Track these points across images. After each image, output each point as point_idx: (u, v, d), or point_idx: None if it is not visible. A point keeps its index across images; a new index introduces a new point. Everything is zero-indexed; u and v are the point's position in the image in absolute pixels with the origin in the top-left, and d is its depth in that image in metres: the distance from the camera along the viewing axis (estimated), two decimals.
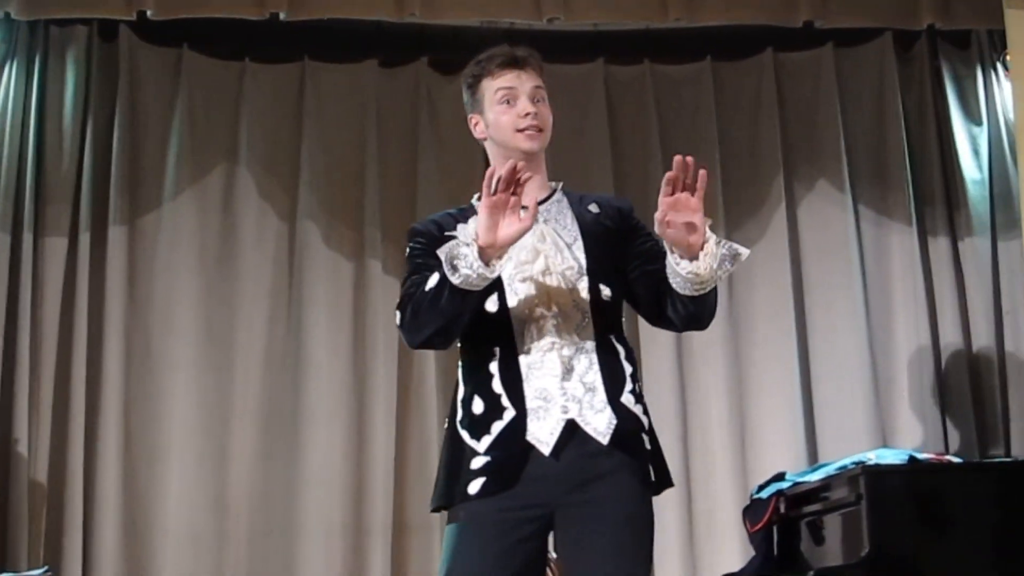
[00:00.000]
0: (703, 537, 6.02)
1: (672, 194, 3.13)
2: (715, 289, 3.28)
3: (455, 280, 3.08)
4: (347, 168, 6.22)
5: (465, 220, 3.36)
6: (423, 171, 6.19)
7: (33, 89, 5.97)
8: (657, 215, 3.13)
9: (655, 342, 6.02)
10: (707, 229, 3.17)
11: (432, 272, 3.17)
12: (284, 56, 6.29)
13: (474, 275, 3.07)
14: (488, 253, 3.07)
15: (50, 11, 5.83)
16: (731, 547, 5.89)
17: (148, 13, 5.64)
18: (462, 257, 3.07)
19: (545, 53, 3.49)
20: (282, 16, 5.69)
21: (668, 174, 3.13)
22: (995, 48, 6.33)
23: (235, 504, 5.88)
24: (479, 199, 3.23)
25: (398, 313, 3.25)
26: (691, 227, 3.14)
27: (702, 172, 3.13)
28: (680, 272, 3.18)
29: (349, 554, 5.86)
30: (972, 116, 6.38)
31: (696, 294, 3.23)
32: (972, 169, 6.32)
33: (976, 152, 6.35)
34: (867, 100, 6.45)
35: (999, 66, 6.32)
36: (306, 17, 5.81)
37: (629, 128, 6.40)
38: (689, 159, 3.13)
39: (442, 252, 3.11)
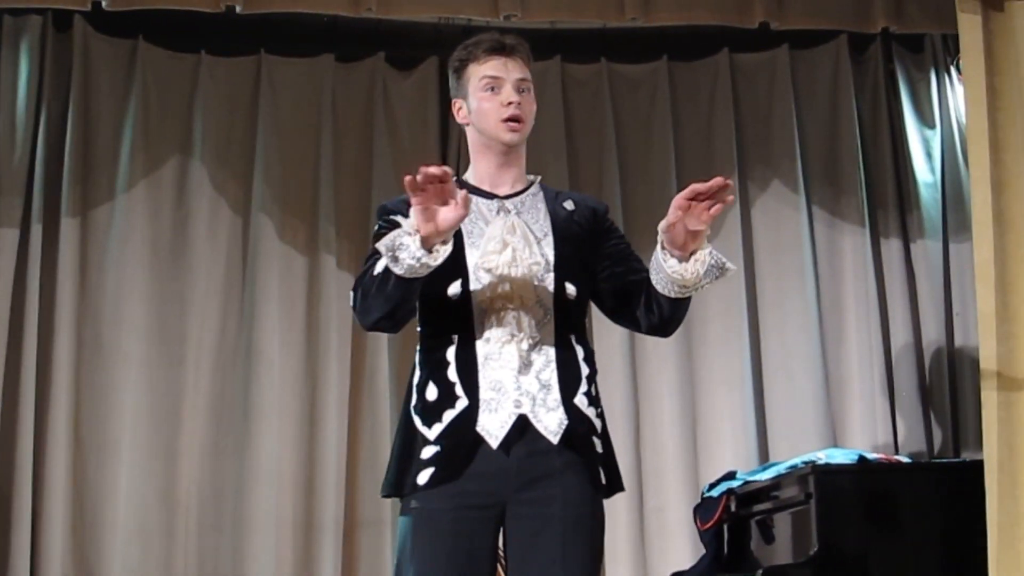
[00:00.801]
0: (654, 535, 6.03)
1: (690, 202, 3.14)
2: (689, 300, 3.31)
3: (398, 271, 3.06)
4: (302, 162, 6.20)
5: None
6: (378, 166, 6.18)
7: None
8: (670, 218, 3.14)
9: (607, 340, 6.02)
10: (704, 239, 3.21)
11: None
12: (240, 49, 6.26)
13: (417, 264, 3.05)
14: (429, 241, 3.06)
15: (3, 1, 5.78)
16: (681, 545, 5.92)
17: (103, 4, 5.59)
18: (404, 248, 3.05)
19: None
20: (238, 9, 5.65)
21: (699, 186, 3.14)
22: (948, 52, 6.38)
23: (185, 499, 5.85)
24: (456, 181, 3.24)
25: (351, 294, 3.24)
26: (695, 235, 3.17)
27: (731, 197, 3.19)
28: (667, 270, 3.20)
29: (300, 549, 5.84)
30: (925, 119, 6.43)
31: (674, 296, 3.25)
32: (925, 172, 6.37)
33: (929, 155, 6.39)
34: (821, 102, 6.48)
35: (952, 70, 6.37)
36: (262, 10, 5.78)
37: (585, 126, 6.41)
38: (729, 183, 3.16)
39: (383, 244, 3.08)
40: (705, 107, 6.48)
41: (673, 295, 3.26)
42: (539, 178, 3.50)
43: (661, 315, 3.33)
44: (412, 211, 3.07)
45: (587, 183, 6.17)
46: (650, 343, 6.17)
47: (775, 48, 6.48)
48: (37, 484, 5.69)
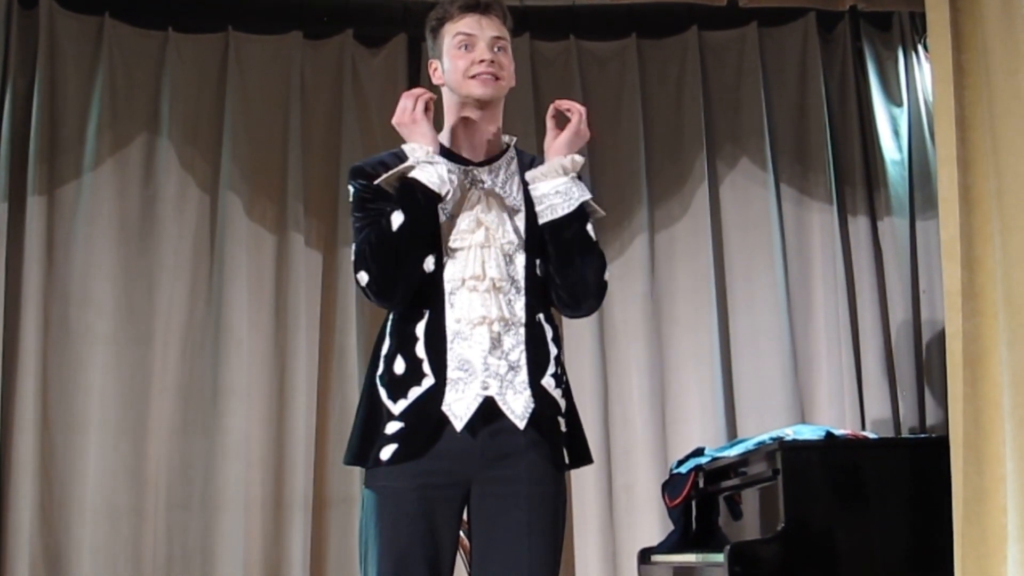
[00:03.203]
0: (622, 511, 6.06)
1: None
2: (592, 259, 3.29)
3: (441, 190, 3.19)
4: (270, 140, 6.18)
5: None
6: (347, 144, 6.16)
7: None
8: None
9: None
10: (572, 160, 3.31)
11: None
12: (207, 26, 6.23)
13: (446, 175, 3.20)
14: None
15: None
16: (650, 521, 5.94)
17: None
18: (430, 165, 3.20)
19: None
20: None
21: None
22: (916, 30, 6.40)
23: (154, 478, 5.85)
24: None
25: (363, 274, 3.19)
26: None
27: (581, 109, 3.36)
28: (535, 194, 3.29)
29: (269, 527, 5.84)
30: (893, 97, 6.45)
31: (548, 218, 3.26)
32: (892, 150, 6.39)
33: (896, 133, 6.41)
34: (790, 80, 6.50)
35: (920, 48, 6.38)
36: None
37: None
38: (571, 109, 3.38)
39: (419, 174, 3.20)
40: (674, 85, 6.49)
41: (545, 219, 3.27)
42: (515, 140, 3.46)
43: (556, 274, 3.28)
44: (410, 133, 3.23)
45: None
46: (618, 320, 6.20)
47: (744, 26, 6.49)
48: (4, 463, 5.68)
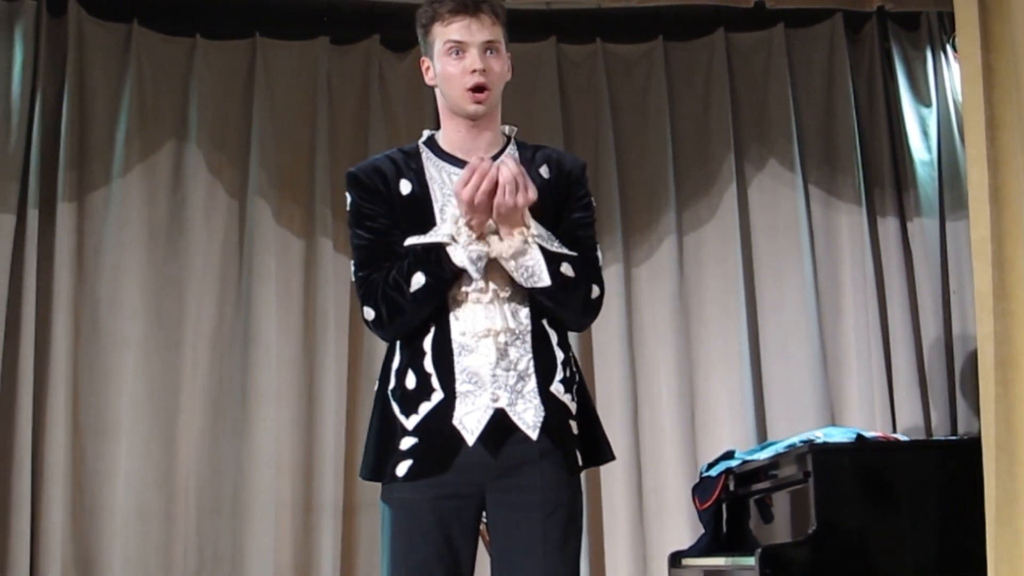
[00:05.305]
0: (652, 514, 6.05)
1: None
2: (577, 291, 3.21)
3: (471, 270, 3.12)
4: (298, 145, 6.20)
5: (409, 164, 3.30)
6: (374, 148, 6.15)
7: None
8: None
9: (605, 321, 6.03)
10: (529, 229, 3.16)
11: (387, 253, 3.19)
12: (235, 33, 6.25)
13: (478, 258, 3.12)
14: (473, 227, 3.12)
15: None
16: (680, 524, 5.93)
17: None
18: (478, 260, 3.12)
19: None
20: None
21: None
22: (944, 30, 6.37)
23: (184, 483, 5.86)
24: (426, 141, 3.31)
25: (369, 311, 3.22)
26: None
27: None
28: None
29: (299, 533, 5.85)
30: (921, 98, 6.42)
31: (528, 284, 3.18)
32: (921, 150, 6.37)
33: (925, 133, 6.39)
34: (817, 81, 6.48)
35: (948, 48, 6.36)
36: None
37: (581, 107, 6.41)
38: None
39: (426, 266, 3.14)
40: (701, 87, 6.48)
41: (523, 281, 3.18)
42: (515, 132, 3.39)
43: (549, 306, 3.22)
44: (471, 211, 3.09)
45: None
46: (647, 323, 6.20)
47: (771, 27, 6.47)
48: (36, 469, 5.70)
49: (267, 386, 5.94)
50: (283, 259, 6.07)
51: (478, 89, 3.21)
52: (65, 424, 5.75)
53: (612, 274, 6.11)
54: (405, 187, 3.27)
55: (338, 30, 6.33)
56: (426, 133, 3.37)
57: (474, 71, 3.21)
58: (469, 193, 3.07)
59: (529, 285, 3.16)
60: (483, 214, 3.10)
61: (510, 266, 3.15)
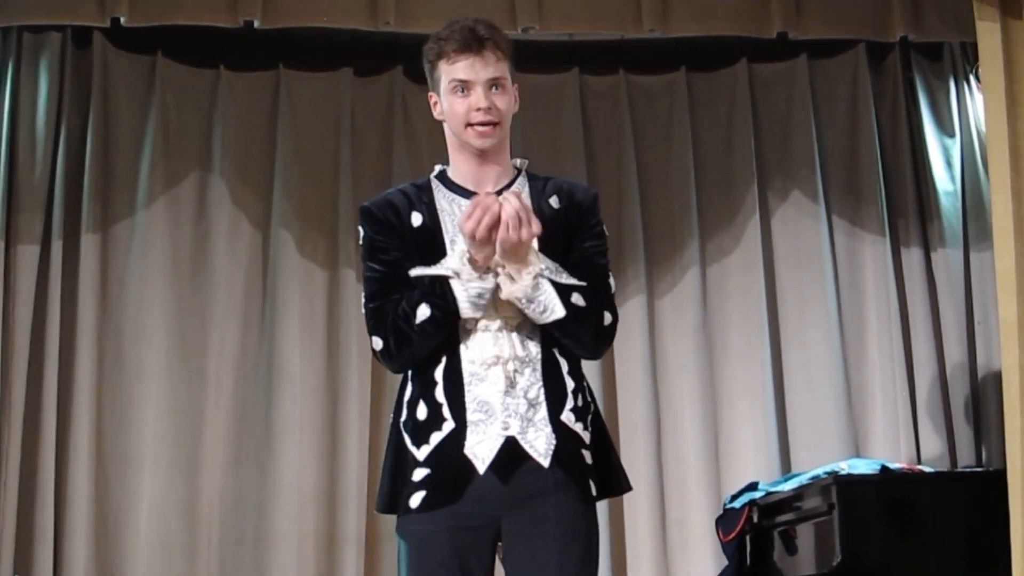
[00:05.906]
0: (676, 546, 6.02)
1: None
2: (589, 320, 3.19)
3: (474, 314, 3.13)
4: (321, 176, 6.21)
5: (421, 198, 3.31)
6: (397, 180, 6.14)
7: (5, 96, 5.92)
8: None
9: (629, 351, 6.04)
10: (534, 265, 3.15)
11: (398, 285, 3.19)
12: (258, 64, 6.28)
13: (484, 293, 3.12)
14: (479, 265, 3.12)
15: (23, 17, 5.80)
16: (704, 556, 5.91)
17: (122, 20, 5.61)
18: (464, 286, 3.11)
19: (520, 63, 3.40)
20: (256, 24, 5.67)
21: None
22: (967, 60, 6.36)
23: (207, 512, 5.86)
24: (438, 175, 3.31)
25: (378, 340, 3.21)
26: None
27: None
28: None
29: (321, 563, 5.84)
30: (945, 128, 6.41)
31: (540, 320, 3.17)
32: (945, 180, 6.35)
33: (949, 163, 6.38)
34: (840, 111, 6.47)
35: (971, 78, 6.35)
36: (280, 25, 5.79)
37: (603, 138, 6.41)
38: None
39: (430, 300, 3.14)
40: (724, 118, 6.48)
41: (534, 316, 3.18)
42: (526, 164, 3.38)
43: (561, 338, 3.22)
44: (477, 248, 3.09)
45: (606, 195, 6.15)
46: (671, 354, 6.19)
47: (793, 58, 6.47)
48: (59, 498, 5.71)
49: (290, 417, 5.94)
50: (306, 290, 6.09)
51: (484, 125, 3.23)
52: (88, 454, 5.76)
53: (635, 305, 6.11)
54: (416, 219, 3.28)
55: (362, 62, 6.36)
56: (438, 167, 3.38)
57: (479, 109, 3.22)
58: (471, 227, 3.07)
59: (543, 321, 3.16)
60: (488, 248, 3.10)
61: (525, 307, 3.15)
